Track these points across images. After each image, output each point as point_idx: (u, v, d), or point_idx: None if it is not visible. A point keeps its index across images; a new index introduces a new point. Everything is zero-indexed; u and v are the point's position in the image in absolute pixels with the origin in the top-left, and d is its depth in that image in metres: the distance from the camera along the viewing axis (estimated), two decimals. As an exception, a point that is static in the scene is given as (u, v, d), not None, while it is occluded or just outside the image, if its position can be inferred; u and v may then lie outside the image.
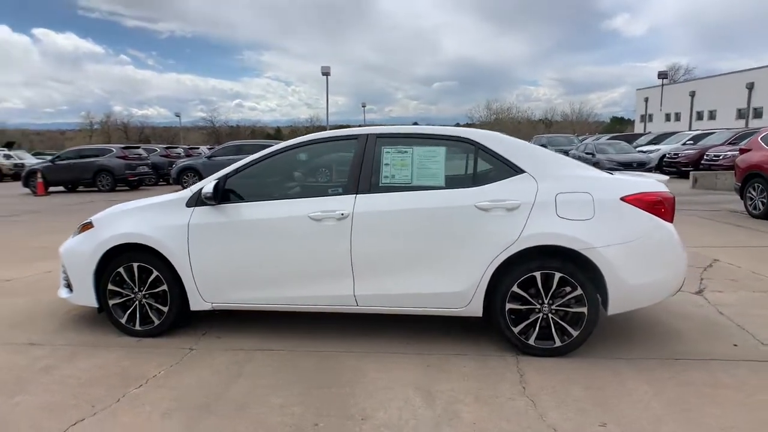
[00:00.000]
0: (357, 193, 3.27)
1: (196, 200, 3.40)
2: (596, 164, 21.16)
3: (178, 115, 64.96)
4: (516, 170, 3.20)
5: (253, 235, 3.34)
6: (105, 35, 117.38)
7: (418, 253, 3.19)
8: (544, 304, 3.11)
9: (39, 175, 15.76)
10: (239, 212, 3.37)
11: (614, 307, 3.09)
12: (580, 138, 28.98)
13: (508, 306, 3.12)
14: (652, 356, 3.13)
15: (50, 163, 16.76)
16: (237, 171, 3.46)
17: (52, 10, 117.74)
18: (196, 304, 3.43)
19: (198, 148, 25.29)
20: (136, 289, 3.47)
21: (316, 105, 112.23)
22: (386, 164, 3.32)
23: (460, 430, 2.35)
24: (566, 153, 19.08)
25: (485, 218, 3.11)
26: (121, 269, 3.47)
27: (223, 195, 3.39)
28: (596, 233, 3.03)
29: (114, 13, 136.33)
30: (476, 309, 3.17)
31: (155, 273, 3.42)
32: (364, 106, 60.41)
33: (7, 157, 24.65)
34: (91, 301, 3.54)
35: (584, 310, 3.07)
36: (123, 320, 3.51)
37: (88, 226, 3.63)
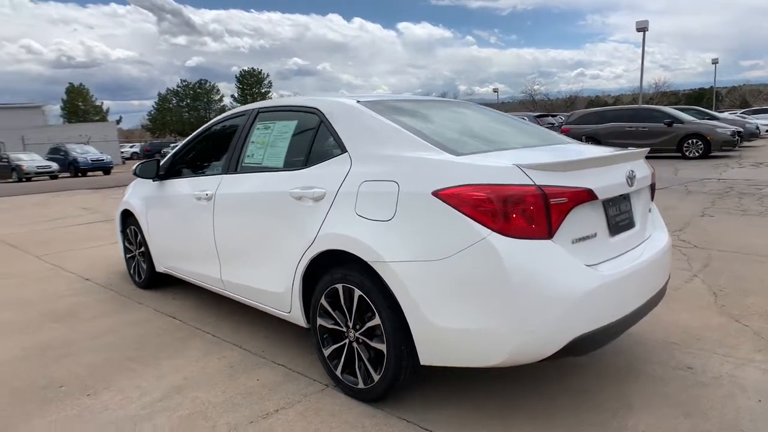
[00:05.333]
0: (225, 173, 3.15)
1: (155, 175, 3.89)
2: None
3: (495, 91, 67.76)
4: (341, 148, 2.46)
5: (170, 209, 3.66)
6: (453, 20, 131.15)
7: (251, 243, 2.88)
8: (350, 328, 2.35)
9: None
10: (168, 188, 3.72)
11: (424, 354, 2.08)
12: None
13: (319, 321, 2.50)
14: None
15: None
16: (182, 149, 3.80)
17: (412, 3, 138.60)
18: (157, 266, 4.00)
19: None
20: (135, 248, 4.30)
21: (675, 66, 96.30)
22: (252, 142, 3.07)
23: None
24: None
25: (297, 209, 2.54)
26: (128, 230, 4.36)
27: (172, 172, 3.78)
28: (391, 241, 2.09)
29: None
30: (298, 317, 2.65)
31: (140, 236, 4.16)
32: (715, 63, 48.67)
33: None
34: (121, 254, 4.58)
35: (383, 348, 2.18)
36: (130, 271, 4.41)
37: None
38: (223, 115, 3.53)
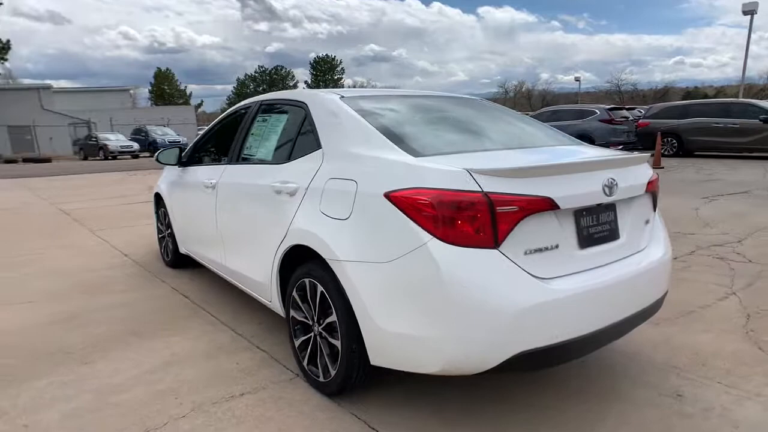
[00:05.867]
0: (229, 163, 3.32)
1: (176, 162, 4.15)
2: None
3: (577, 79, 64.63)
4: (318, 144, 2.53)
5: (187, 195, 3.90)
6: (538, 4, 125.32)
7: (243, 233, 3.03)
8: (315, 322, 2.43)
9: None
10: (187, 175, 3.96)
11: (372, 354, 2.12)
12: None
13: (291, 313, 2.60)
14: None
15: None
16: (201, 137, 4.03)
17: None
18: (180, 248, 4.29)
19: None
20: (165, 229, 4.63)
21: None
22: (252, 134, 3.20)
23: (96, 401, 2.40)
24: None
25: (276, 202, 2.65)
26: (159, 212, 4.70)
27: (192, 159, 4.03)
28: (345, 240, 2.14)
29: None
30: (277, 307, 2.77)
31: (168, 218, 4.48)
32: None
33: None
34: (156, 236, 4.95)
35: (338, 344, 2.24)
36: (161, 250, 4.76)
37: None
38: (236, 106, 3.70)
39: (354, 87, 66.76)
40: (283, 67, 67.62)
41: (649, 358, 2.76)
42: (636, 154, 2.39)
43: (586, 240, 2.10)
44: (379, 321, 2.00)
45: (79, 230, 6.40)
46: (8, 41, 26.40)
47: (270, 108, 3.17)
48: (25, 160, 24.15)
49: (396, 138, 2.24)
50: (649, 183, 2.42)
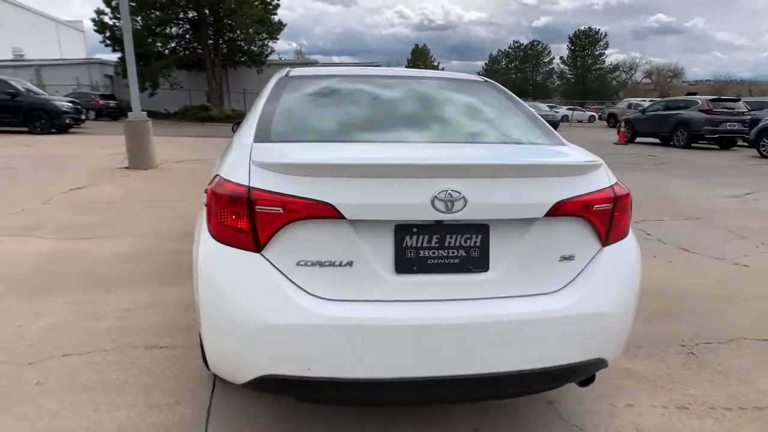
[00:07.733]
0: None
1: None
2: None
3: None
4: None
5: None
6: None
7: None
8: (213, 296, 2.57)
9: (623, 124, 19.76)
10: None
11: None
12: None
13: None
14: None
15: (640, 114, 19.14)
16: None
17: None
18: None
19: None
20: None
21: None
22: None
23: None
24: None
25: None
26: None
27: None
28: (198, 221, 2.20)
29: None
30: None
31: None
32: None
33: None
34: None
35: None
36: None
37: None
38: None
39: (619, 63, 60.15)
40: (539, 42, 65.29)
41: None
42: (543, 159, 1.76)
43: (412, 264, 1.70)
44: (203, 313, 2.03)
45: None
46: (283, 24, 31.61)
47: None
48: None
49: (266, 121, 2.15)
50: (570, 203, 1.76)
